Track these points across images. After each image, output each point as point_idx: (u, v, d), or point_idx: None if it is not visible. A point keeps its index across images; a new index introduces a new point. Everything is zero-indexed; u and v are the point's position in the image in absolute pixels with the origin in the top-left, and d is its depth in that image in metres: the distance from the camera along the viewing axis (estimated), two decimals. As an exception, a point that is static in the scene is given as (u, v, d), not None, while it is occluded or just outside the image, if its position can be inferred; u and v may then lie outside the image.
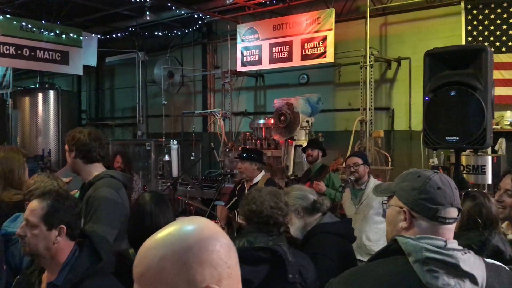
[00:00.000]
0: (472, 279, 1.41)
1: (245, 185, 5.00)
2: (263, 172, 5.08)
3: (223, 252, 0.96)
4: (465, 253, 1.45)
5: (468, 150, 5.60)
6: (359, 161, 4.30)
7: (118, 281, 2.14)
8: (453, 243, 1.49)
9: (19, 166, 3.16)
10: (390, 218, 1.63)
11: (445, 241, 1.47)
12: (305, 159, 6.97)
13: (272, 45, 8.63)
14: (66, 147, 2.91)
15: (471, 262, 1.44)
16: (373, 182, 4.38)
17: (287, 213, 2.73)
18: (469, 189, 2.64)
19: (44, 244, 1.98)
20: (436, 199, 1.52)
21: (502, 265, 1.59)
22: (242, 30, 9.11)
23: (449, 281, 1.39)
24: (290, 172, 7.09)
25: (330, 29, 7.86)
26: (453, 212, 1.54)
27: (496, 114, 6.77)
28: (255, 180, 4.95)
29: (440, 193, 1.52)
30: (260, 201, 2.61)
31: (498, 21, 7.00)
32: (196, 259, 0.93)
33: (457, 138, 3.43)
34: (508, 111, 6.94)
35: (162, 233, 0.98)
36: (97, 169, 2.90)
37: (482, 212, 2.35)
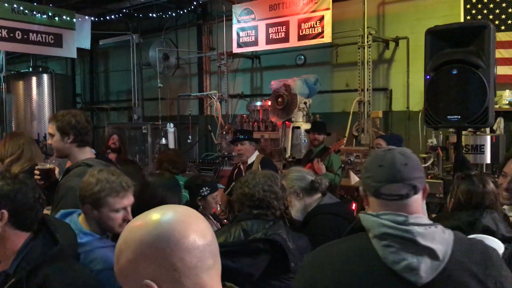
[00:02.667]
0: (432, 253, 1.41)
1: (242, 168, 4.92)
2: (257, 152, 5.02)
3: (171, 254, 0.94)
4: (429, 227, 1.45)
5: (467, 130, 5.57)
6: (383, 143, 4.17)
7: (81, 264, 2.06)
8: (417, 218, 1.48)
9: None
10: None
11: (407, 217, 1.47)
12: (303, 141, 6.95)
13: (268, 26, 8.50)
14: (55, 131, 2.76)
15: (433, 237, 1.43)
16: None
17: (284, 197, 2.63)
18: (471, 172, 2.62)
19: None
20: (377, 177, 1.55)
21: (483, 242, 1.57)
22: (237, 10, 8.97)
23: (406, 256, 1.41)
24: (288, 154, 7.06)
25: (328, 9, 7.74)
26: (397, 189, 1.52)
27: (495, 93, 6.73)
28: (250, 161, 4.87)
29: (380, 170, 1.55)
30: (253, 184, 2.52)
31: (497, -1, 6.92)
32: (141, 253, 0.95)
33: (459, 117, 3.39)
34: (507, 90, 6.90)
35: (129, 225, 1.02)
36: (86, 154, 2.82)
37: (471, 199, 2.37)
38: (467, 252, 1.46)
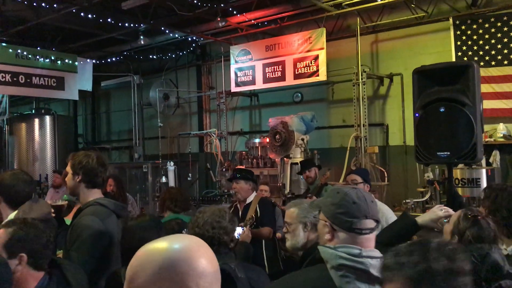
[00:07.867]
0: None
1: (238, 207, 4.95)
2: (255, 192, 5.06)
3: (188, 278, 1.02)
4: (381, 259, 1.58)
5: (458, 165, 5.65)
6: (358, 179, 4.26)
7: None
8: (371, 252, 1.63)
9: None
10: (319, 231, 1.80)
11: (361, 250, 1.62)
12: (302, 178, 7.01)
13: (265, 65, 8.74)
14: (69, 169, 2.85)
15: None
16: None
17: (233, 229, 2.67)
18: (467, 209, 2.65)
19: None
20: (351, 212, 1.68)
21: None
22: (235, 51, 9.23)
23: (360, 285, 1.56)
24: (287, 190, 7.11)
25: (322, 48, 7.98)
26: (369, 224, 1.69)
27: (489, 127, 6.84)
28: (248, 200, 4.90)
29: (355, 207, 1.68)
30: (202, 223, 2.57)
31: (487, 36, 7.13)
32: (161, 276, 1.02)
33: (448, 153, 3.47)
34: (501, 124, 7.00)
35: (143, 249, 1.08)
36: (95, 195, 2.86)
37: (480, 236, 2.39)
38: None
